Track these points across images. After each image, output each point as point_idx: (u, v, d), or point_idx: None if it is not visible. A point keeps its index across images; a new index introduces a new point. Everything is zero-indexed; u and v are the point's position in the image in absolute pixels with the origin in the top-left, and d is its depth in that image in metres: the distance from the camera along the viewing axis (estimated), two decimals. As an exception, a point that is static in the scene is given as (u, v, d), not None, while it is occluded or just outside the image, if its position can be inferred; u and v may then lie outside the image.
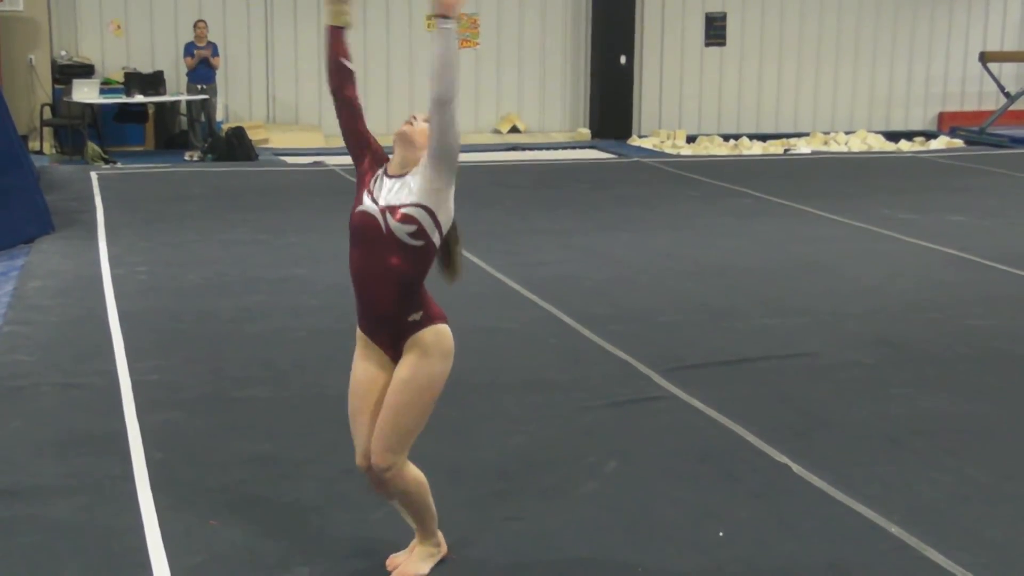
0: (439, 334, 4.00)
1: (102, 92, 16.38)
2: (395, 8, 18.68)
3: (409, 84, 18.74)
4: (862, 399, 6.30)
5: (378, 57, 18.64)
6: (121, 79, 16.89)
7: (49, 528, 4.62)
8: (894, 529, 4.68)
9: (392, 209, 3.92)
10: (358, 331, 4.11)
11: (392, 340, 4.02)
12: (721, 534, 4.63)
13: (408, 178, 3.97)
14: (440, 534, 4.33)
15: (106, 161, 15.62)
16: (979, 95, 21.39)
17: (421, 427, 4.06)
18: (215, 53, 16.98)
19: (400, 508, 4.27)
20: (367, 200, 3.98)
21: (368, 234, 3.94)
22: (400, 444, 4.02)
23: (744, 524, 4.73)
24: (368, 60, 18.47)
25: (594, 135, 19.34)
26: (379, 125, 18.80)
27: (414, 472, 4.12)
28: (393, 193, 3.95)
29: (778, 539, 4.62)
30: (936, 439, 5.72)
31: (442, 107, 3.83)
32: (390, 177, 4.01)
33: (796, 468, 5.28)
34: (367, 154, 4.10)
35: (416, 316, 3.98)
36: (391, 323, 3.99)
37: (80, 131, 16.04)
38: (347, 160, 17.09)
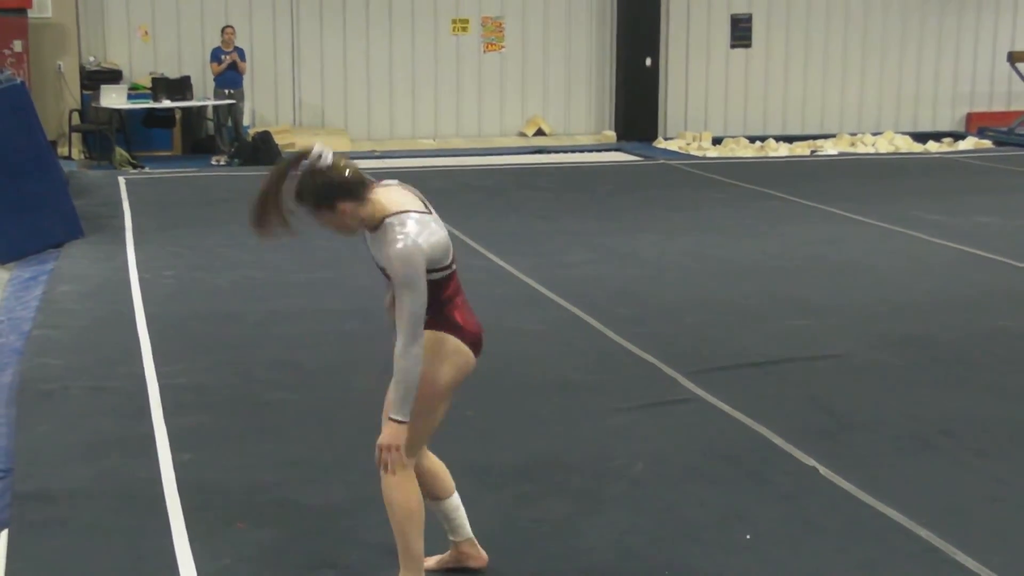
0: (435, 338, 3.90)
1: (130, 97, 16.48)
2: (397, 15, 18.69)
3: (411, 91, 18.76)
4: (890, 400, 6.26)
5: (380, 63, 18.69)
6: (149, 84, 16.98)
7: (77, 530, 4.65)
8: (923, 532, 4.65)
9: (383, 269, 3.91)
10: None
11: None
12: (748, 536, 4.62)
13: (379, 243, 3.88)
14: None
15: (134, 166, 15.71)
16: (1008, 95, 21.23)
17: (421, 432, 3.93)
18: (242, 58, 17.05)
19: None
20: None
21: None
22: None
23: (771, 526, 4.71)
24: (371, 66, 18.55)
25: (619, 137, 19.31)
26: (382, 130, 18.93)
27: (405, 492, 3.94)
28: (376, 249, 3.92)
29: (806, 541, 4.60)
30: (965, 440, 5.68)
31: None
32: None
33: (824, 470, 5.26)
34: None
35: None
36: None
37: (108, 136, 16.13)
38: (372, 164, 17.04)
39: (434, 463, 4.17)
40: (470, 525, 4.28)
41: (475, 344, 4.02)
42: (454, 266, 3.95)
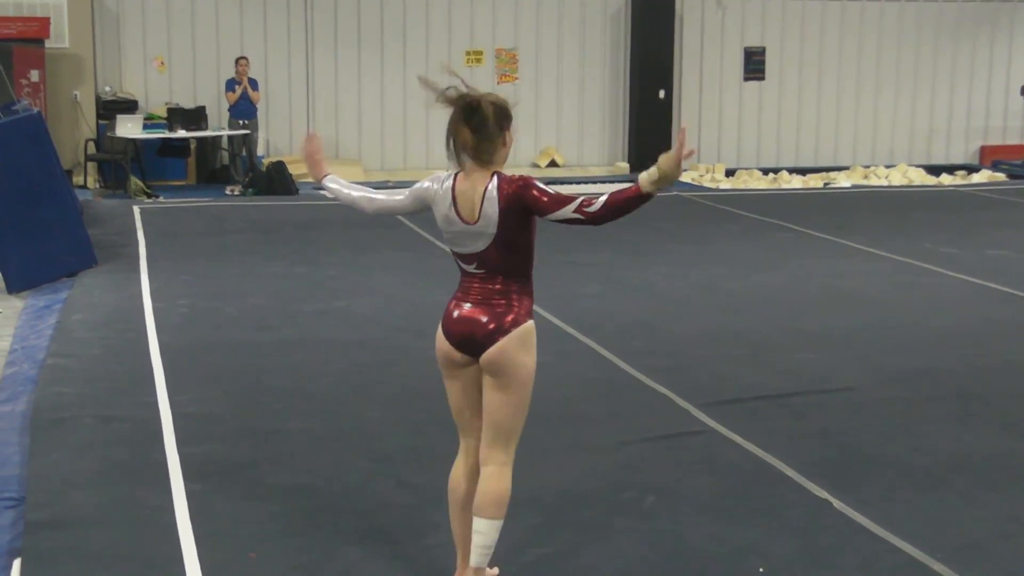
0: (532, 331, 4.20)
1: (145, 127, 16.58)
2: (411, 46, 18.79)
3: (425, 122, 18.81)
4: (902, 434, 6.24)
5: (394, 94, 18.76)
6: (164, 114, 17.09)
7: (89, 559, 4.65)
8: (936, 567, 4.62)
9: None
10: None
11: None
12: (761, 570, 4.59)
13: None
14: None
15: (148, 195, 15.78)
16: (1022, 129, 21.25)
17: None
18: (254, 88, 17.16)
19: None
20: None
21: None
22: None
23: (784, 560, 4.69)
24: (385, 97, 18.63)
25: (633, 169, 19.34)
26: (396, 161, 19.00)
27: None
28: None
29: (819, 575, 4.57)
30: (978, 475, 5.66)
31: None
32: None
33: (836, 504, 5.24)
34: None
35: None
36: None
37: (123, 165, 16.22)
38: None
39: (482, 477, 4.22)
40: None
41: None
42: None
